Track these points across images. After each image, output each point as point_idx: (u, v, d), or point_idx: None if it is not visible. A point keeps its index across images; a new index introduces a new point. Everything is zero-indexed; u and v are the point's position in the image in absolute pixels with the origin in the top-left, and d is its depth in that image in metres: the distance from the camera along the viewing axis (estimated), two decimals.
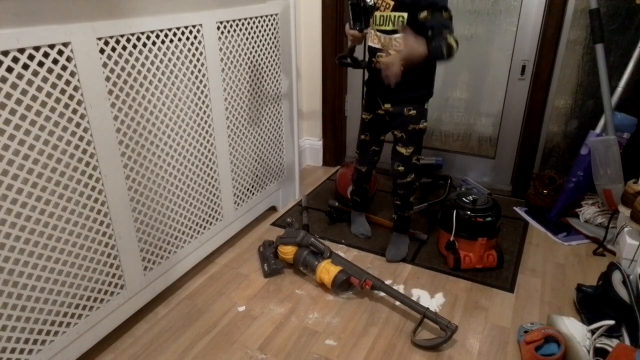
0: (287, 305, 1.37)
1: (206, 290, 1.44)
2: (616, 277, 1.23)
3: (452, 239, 1.49)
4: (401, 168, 1.49)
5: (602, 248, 1.60)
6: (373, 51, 1.41)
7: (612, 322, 1.12)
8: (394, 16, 1.33)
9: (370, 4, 1.35)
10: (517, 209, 1.90)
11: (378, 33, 1.37)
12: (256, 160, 1.67)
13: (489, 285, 1.45)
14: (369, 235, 1.71)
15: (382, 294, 1.38)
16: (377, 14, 1.36)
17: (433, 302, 1.38)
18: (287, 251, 1.49)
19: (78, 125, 1.00)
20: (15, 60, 0.86)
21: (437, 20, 1.26)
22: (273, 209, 1.88)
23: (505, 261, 1.54)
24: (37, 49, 0.89)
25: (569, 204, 1.78)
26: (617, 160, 1.60)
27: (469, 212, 1.46)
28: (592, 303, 1.27)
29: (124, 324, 1.23)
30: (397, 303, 1.36)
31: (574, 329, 1.14)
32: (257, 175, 1.70)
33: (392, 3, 1.33)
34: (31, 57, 0.88)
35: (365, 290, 1.39)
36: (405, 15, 1.31)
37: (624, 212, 1.46)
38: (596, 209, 1.75)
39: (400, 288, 1.43)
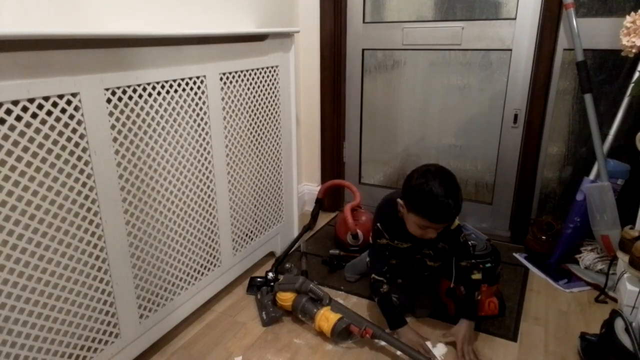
0: (285, 355, 1.33)
1: (202, 339, 1.40)
2: (619, 324, 1.21)
3: (452, 285, 1.47)
4: None
5: (604, 295, 1.59)
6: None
7: None
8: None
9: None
10: (516, 255, 1.90)
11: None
12: (255, 205, 1.69)
13: (491, 334, 1.42)
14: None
15: (383, 343, 1.35)
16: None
17: (436, 351, 1.34)
18: (286, 298, 1.47)
19: (82, 171, 1.02)
20: (25, 109, 0.89)
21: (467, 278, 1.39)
22: (272, 254, 1.87)
23: (507, 309, 1.51)
24: (46, 98, 0.92)
25: (568, 250, 1.78)
26: (612, 206, 1.62)
27: None
28: (596, 352, 1.25)
29: None
30: (399, 353, 1.32)
31: None
32: (256, 221, 1.71)
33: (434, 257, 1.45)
34: (40, 107, 0.91)
35: (366, 339, 1.36)
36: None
37: (622, 258, 1.46)
38: (595, 255, 1.75)
39: None
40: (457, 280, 1.42)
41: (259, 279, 1.66)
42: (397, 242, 1.44)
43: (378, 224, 1.43)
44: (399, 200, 1.35)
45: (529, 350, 1.35)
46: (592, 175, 1.68)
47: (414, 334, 1.35)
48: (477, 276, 1.37)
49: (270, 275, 1.65)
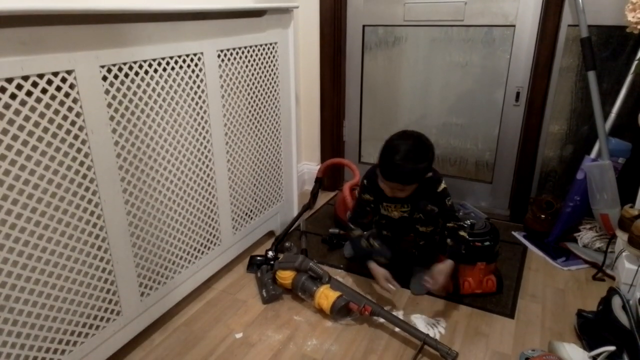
0: (285, 331, 1.35)
1: (203, 316, 1.42)
2: (616, 302, 1.22)
3: None
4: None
5: (602, 273, 1.60)
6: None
7: (613, 348, 1.11)
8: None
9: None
10: (515, 234, 1.90)
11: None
12: (255, 184, 1.68)
13: (489, 310, 1.44)
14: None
15: (382, 320, 1.37)
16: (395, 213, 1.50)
17: (419, 322, 1.37)
18: (286, 276, 1.48)
19: (79, 150, 1.01)
20: (19, 87, 0.87)
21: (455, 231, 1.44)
22: (271, 233, 1.88)
23: (504, 286, 1.53)
24: (41, 76, 0.90)
25: (567, 229, 1.79)
26: (613, 184, 1.62)
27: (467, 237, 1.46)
28: (593, 329, 1.26)
29: (120, 351, 1.22)
30: (397, 329, 1.34)
31: (575, 355, 1.12)
32: (255, 200, 1.71)
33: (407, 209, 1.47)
34: (35, 84, 0.90)
35: (365, 316, 1.37)
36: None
37: (622, 236, 1.46)
38: (594, 233, 1.76)
39: (400, 314, 1.42)
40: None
41: (258, 258, 1.67)
42: (386, 204, 1.49)
43: (364, 180, 1.51)
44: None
45: (525, 327, 1.37)
46: (593, 154, 1.67)
47: (378, 267, 1.47)
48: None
49: (270, 253, 1.66)
